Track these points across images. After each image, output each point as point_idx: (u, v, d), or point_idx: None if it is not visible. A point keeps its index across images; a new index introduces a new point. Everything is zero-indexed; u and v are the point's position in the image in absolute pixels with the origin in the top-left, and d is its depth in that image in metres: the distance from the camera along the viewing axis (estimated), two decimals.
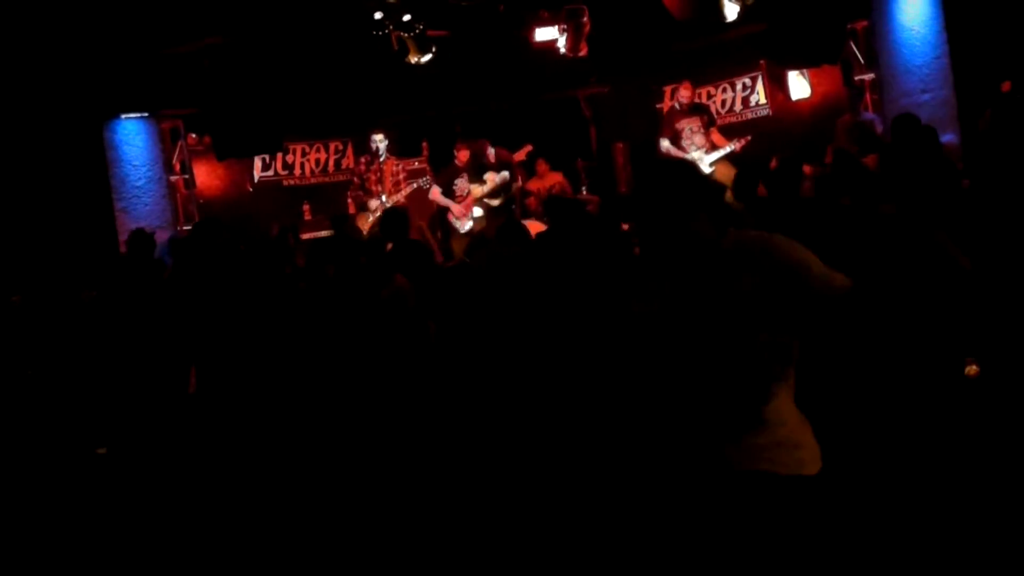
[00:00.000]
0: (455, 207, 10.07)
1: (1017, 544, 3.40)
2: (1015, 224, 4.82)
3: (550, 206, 7.56)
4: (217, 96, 9.72)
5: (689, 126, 10.08)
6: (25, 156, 9.35)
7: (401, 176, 10.27)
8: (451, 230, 10.23)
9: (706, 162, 9.78)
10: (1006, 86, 8.01)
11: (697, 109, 10.31)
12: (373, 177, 10.16)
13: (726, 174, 9.41)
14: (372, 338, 4.61)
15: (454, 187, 10.11)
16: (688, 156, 9.84)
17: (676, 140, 10.06)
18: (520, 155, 10.35)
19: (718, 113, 11.57)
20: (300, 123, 11.51)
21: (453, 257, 9.36)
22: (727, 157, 9.78)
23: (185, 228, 10.37)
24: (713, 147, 9.97)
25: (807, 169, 8.74)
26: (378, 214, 9.93)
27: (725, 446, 2.53)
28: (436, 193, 10.24)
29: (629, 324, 2.66)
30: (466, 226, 10.02)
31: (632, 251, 5.22)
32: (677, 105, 10.31)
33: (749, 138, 9.85)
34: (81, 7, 8.72)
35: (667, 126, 10.22)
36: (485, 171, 10.12)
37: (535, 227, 10.05)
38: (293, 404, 4.44)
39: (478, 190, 10.07)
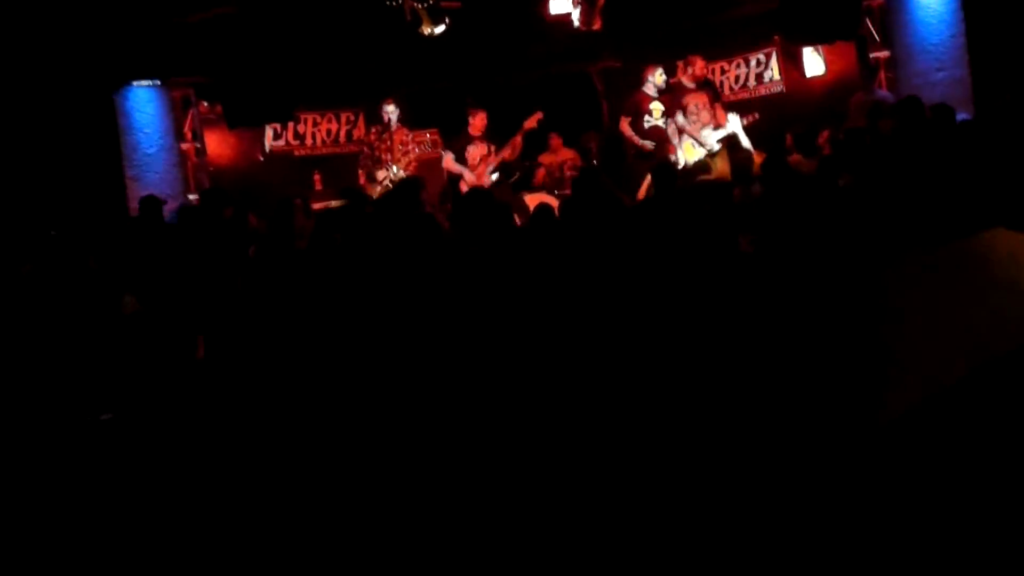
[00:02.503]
0: (468, 175, 9.90)
1: None
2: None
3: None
4: (229, 64, 9.72)
5: (696, 102, 9.94)
6: (36, 124, 9.36)
7: (410, 146, 10.25)
8: None
9: (712, 139, 9.71)
10: None
11: (705, 85, 10.19)
12: (383, 146, 10.14)
13: (725, 168, 9.36)
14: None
15: (466, 155, 10.00)
16: (696, 134, 9.79)
17: (684, 115, 9.94)
18: (531, 122, 10.14)
19: (731, 89, 11.50)
20: (312, 93, 11.49)
21: None
22: (731, 138, 9.70)
23: (192, 196, 10.38)
24: (718, 125, 9.88)
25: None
26: (386, 183, 9.92)
27: None
28: (449, 160, 10.11)
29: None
30: None
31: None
32: (685, 80, 10.20)
33: (757, 115, 9.76)
34: None
35: (673, 101, 10.08)
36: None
37: (541, 199, 10.02)
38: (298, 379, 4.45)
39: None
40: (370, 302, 4.45)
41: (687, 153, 9.71)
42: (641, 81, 10.20)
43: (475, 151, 9.95)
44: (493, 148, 9.96)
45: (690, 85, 10.04)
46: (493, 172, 9.90)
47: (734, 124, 9.70)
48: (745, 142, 9.47)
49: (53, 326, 5.15)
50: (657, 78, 10.08)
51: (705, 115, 9.87)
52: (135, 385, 4.34)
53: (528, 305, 3.94)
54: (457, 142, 10.07)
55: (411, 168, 10.07)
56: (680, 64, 10.58)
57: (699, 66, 10.10)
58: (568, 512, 3.68)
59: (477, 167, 9.88)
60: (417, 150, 10.27)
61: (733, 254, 3.69)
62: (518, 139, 9.96)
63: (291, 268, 5.09)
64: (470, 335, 4.00)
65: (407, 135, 10.33)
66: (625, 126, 10.09)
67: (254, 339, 4.63)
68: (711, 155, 8.91)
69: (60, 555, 3.49)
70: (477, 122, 9.95)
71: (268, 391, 4.23)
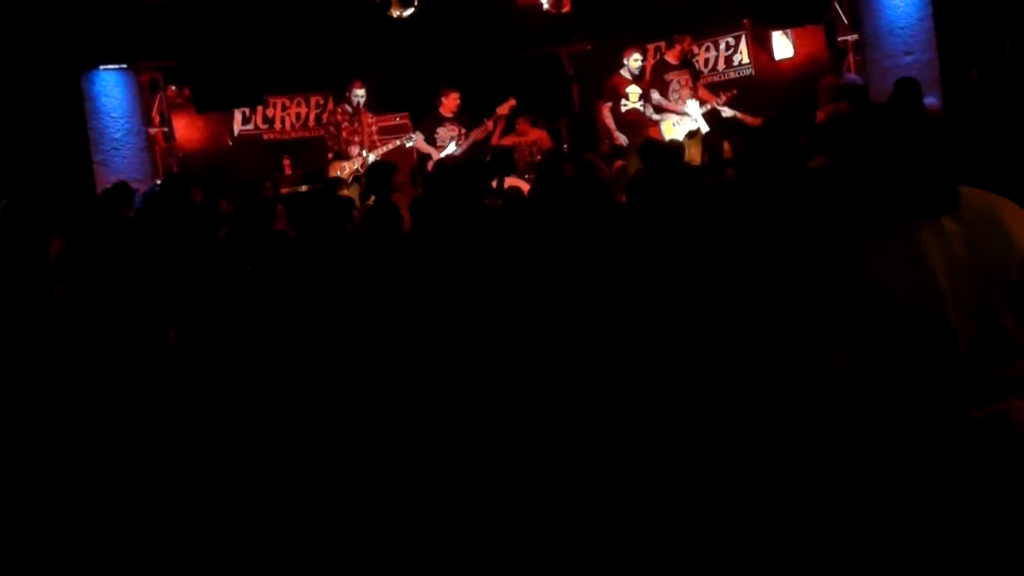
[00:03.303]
0: (436, 156, 9.70)
1: None
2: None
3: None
4: (197, 48, 9.62)
5: (677, 79, 10.04)
6: (1, 107, 9.22)
7: (375, 132, 10.18)
8: None
9: (694, 113, 9.75)
10: (1007, 47, 8.03)
11: (687, 64, 10.25)
12: (351, 128, 10.05)
13: (696, 154, 9.40)
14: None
15: (435, 136, 9.95)
16: (677, 109, 9.84)
17: (663, 93, 9.99)
18: (503, 109, 10.13)
19: (701, 72, 11.53)
20: (281, 76, 11.41)
21: None
22: (712, 113, 9.73)
23: (159, 182, 10.27)
24: (702, 101, 9.94)
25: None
26: (356, 165, 9.84)
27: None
28: (420, 141, 10.02)
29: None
30: None
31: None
32: (669, 58, 10.22)
33: (735, 92, 9.79)
34: None
35: (654, 79, 10.14)
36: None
37: (513, 183, 9.99)
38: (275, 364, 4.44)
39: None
40: (345, 290, 4.44)
41: (667, 132, 9.76)
42: (618, 65, 10.27)
43: (445, 132, 9.92)
44: (464, 131, 9.92)
45: (673, 63, 10.10)
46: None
47: (693, 111, 9.77)
48: (705, 128, 9.54)
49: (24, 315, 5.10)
50: (632, 62, 10.17)
51: (686, 93, 9.96)
52: (108, 372, 4.30)
53: (505, 290, 3.94)
54: (427, 123, 10.04)
55: (381, 153, 10.01)
56: (662, 44, 10.60)
57: (686, 43, 10.18)
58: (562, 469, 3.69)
59: (446, 148, 9.85)
60: (388, 138, 10.18)
61: (706, 237, 3.71)
62: (489, 123, 9.96)
63: (267, 253, 5.07)
64: (444, 315, 4.00)
65: (372, 119, 10.26)
66: (606, 113, 10.18)
67: (228, 324, 4.61)
68: (689, 135, 8.92)
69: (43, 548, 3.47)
70: (449, 103, 9.93)
71: (245, 377, 4.22)
